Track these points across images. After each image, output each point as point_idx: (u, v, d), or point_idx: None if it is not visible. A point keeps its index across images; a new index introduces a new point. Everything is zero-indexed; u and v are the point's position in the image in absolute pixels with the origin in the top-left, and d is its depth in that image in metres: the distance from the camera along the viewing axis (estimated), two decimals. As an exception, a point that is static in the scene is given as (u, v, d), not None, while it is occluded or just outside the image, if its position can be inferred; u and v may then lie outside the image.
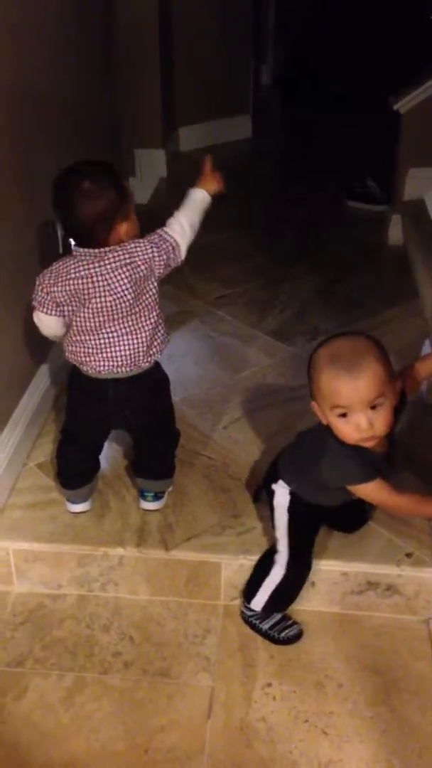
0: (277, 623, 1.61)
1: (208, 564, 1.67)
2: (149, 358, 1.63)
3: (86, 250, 1.55)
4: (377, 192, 3.62)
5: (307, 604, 1.67)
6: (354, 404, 1.28)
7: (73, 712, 1.48)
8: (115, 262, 1.54)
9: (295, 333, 2.53)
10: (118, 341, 1.60)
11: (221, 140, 4.46)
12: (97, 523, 1.74)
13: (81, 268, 1.54)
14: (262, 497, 1.66)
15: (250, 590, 1.62)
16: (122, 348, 1.60)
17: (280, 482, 1.54)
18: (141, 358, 1.62)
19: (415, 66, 3.18)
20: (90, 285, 1.54)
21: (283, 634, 1.61)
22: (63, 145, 2.29)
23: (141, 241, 1.58)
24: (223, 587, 1.68)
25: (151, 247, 1.58)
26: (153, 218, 3.81)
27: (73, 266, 1.55)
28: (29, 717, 1.47)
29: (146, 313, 1.61)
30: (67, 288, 1.55)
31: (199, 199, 1.70)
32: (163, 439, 1.78)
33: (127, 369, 1.62)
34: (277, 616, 1.62)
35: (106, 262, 1.54)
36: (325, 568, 1.65)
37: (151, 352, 1.63)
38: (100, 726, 1.45)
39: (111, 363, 1.61)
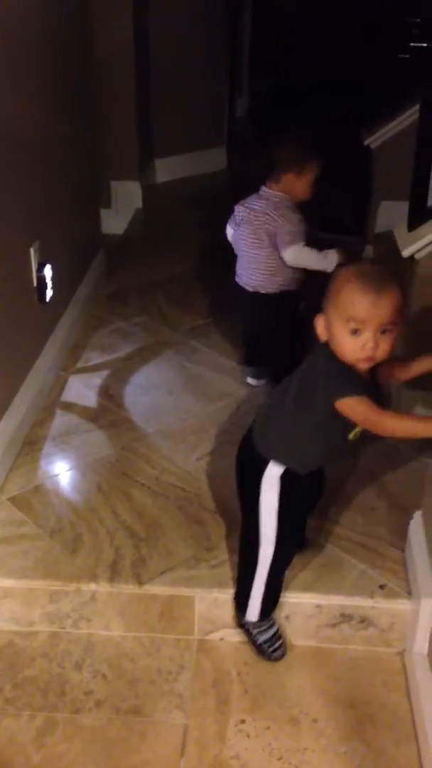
0: (271, 638, 1.62)
1: (181, 598, 1.66)
2: (265, 289, 2.19)
3: (262, 187, 2.16)
4: (350, 223, 3.67)
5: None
6: (369, 321, 1.31)
7: (45, 752, 1.45)
8: (258, 208, 2.14)
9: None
10: (246, 265, 2.20)
11: (197, 172, 4.52)
12: (70, 557, 1.73)
13: (247, 200, 2.18)
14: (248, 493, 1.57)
15: (241, 600, 1.61)
16: (247, 271, 2.20)
17: (271, 465, 1.48)
18: (258, 284, 2.19)
19: (386, 102, 3.26)
20: (243, 214, 2.18)
21: (274, 652, 1.62)
22: (39, 175, 2.30)
23: (281, 216, 2.11)
24: (197, 621, 1.67)
25: (276, 227, 2.11)
26: (128, 249, 3.84)
27: (247, 198, 2.19)
28: (-1, 758, 1.44)
29: (263, 258, 2.15)
30: (237, 211, 2.21)
31: (326, 259, 2.14)
32: (271, 348, 2.31)
33: (249, 288, 2.21)
34: (272, 630, 1.62)
35: (257, 204, 2.15)
36: (299, 601, 1.64)
37: (267, 285, 2.19)
38: (72, 766, 1.43)
39: (242, 279, 2.23)
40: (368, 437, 1.45)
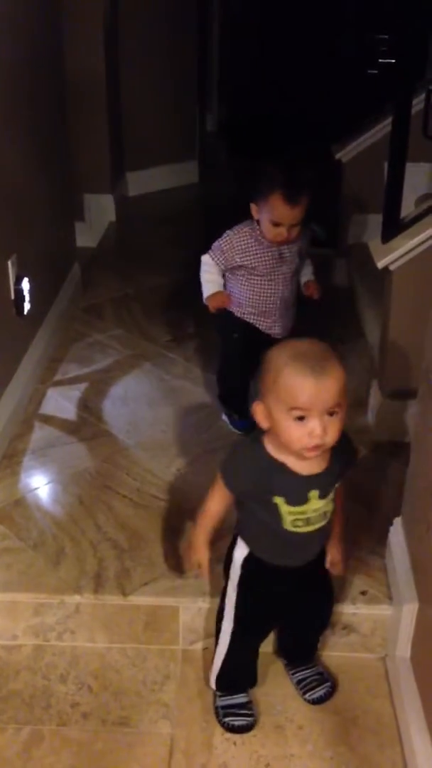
0: (231, 707, 1.53)
1: (166, 608, 1.66)
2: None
3: None
4: (321, 235, 3.72)
5: (267, 647, 1.67)
6: (314, 407, 1.21)
7: (32, 766, 1.44)
8: None
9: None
10: None
11: (169, 185, 4.55)
12: (53, 570, 1.73)
13: None
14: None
15: (211, 662, 1.56)
16: None
17: (239, 542, 1.45)
18: None
19: (356, 117, 3.32)
20: None
21: (227, 719, 1.51)
22: (14, 189, 2.31)
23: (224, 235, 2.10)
24: (182, 631, 1.67)
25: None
26: (102, 262, 3.84)
27: None
28: (-15, 774, 1.43)
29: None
30: None
31: (204, 287, 2.16)
32: None
33: None
34: (237, 699, 1.53)
35: None
36: (283, 609, 1.66)
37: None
38: (59, 780, 1.43)
39: None
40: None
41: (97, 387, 2.49)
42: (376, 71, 3.09)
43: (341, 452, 1.34)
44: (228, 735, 1.51)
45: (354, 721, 1.55)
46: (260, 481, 1.32)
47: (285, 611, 1.54)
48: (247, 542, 1.44)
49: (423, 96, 2.73)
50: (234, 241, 2.07)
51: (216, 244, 2.10)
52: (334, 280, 3.33)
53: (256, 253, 2.06)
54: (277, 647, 1.66)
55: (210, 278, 2.13)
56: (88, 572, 1.72)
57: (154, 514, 1.91)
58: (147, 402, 2.40)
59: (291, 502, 1.32)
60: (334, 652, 1.68)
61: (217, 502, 1.43)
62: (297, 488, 1.32)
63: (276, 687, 1.61)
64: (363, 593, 1.68)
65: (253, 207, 2.03)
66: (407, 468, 1.70)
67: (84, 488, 2.00)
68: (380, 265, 2.07)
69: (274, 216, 1.99)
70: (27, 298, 2.30)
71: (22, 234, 2.37)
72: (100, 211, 3.95)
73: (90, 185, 3.85)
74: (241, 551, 1.45)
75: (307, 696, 1.58)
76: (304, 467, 1.32)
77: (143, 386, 2.50)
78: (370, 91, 3.24)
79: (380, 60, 3.03)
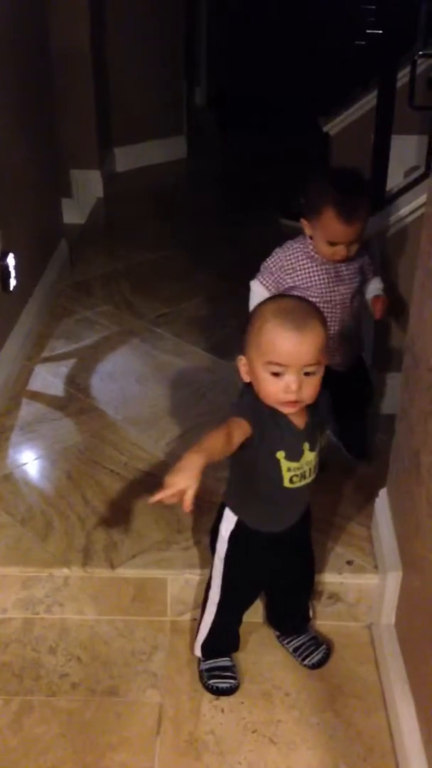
0: (215, 669, 1.56)
1: (154, 580, 1.68)
2: None
3: None
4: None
5: (254, 616, 1.69)
6: (291, 364, 1.23)
7: (21, 736, 1.46)
8: None
9: (235, 349, 2.54)
10: None
11: (157, 161, 4.52)
12: (41, 544, 1.74)
13: None
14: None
15: (197, 631, 1.59)
16: None
17: (226, 511, 1.45)
18: None
19: (343, 89, 3.30)
20: None
21: (212, 681, 1.55)
22: (-2, 166, 2.29)
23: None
24: (170, 603, 1.69)
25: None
26: (90, 238, 3.81)
27: None
28: (-24, 744, 1.45)
29: None
30: None
31: None
32: None
33: None
34: (221, 663, 1.57)
35: None
36: (270, 579, 1.67)
37: None
38: (49, 748, 1.44)
39: None
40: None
41: (85, 363, 2.49)
42: (363, 42, 3.06)
43: (318, 408, 1.37)
44: (216, 702, 1.53)
45: (340, 687, 1.58)
46: (269, 423, 1.30)
47: (271, 579, 1.56)
48: (237, 510, 1.44)
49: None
50: (283, 260, 1.83)
51: (264, 264, 1.86)
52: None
53: (310, 272, 1.81)
54: (269, 618, 1.68)
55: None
56: (76, 546, 1.73)
57: (142, 487, 1.92)
58: (135, 377, 2.41)
59: (289, 457, 1.34)
60: (321, 620, 1.70)
61: (235, 435, 1.26)
62: (294, 442, 1.34)
63: (263, 655, 1.63)
64: (349, 563, 1.70)
65: (304, 223, 1.79)
66: (392, 439, 1.71)
67: (72, 463, 2.00)
68: (366, 237, 2.06)
69: (328, 235, 1.74)
70: (13, 273, 2.30)
71: (7, 209, 2.36)
72: (88, 187, 3.93)
73: (77, 161, 3.82)
74: (227, 525, 1.46)
75: (306, 662, 1.60)
76: (295, 420, 1.33)
77: (132, 362, 2.50)
78: (358, 62, 3.22)
79: (368, 31, 2.99)
